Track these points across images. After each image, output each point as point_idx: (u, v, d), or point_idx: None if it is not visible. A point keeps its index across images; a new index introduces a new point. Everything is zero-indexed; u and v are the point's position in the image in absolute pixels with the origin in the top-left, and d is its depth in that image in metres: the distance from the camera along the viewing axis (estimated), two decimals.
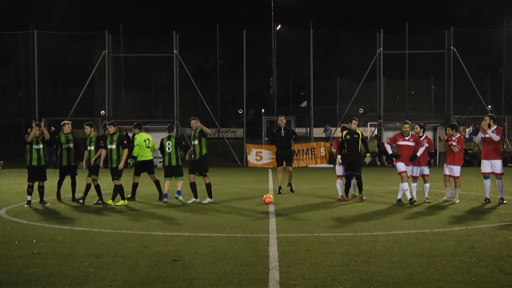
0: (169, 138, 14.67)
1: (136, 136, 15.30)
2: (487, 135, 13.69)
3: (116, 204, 13.88)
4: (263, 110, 49.67)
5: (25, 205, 13.76)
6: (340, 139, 15.06)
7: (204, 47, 43.56)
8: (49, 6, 54.78)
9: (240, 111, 45.73)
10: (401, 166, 13.85)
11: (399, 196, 14.04)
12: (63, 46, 34.53)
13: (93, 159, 14.28)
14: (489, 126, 13.87)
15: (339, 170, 15.10)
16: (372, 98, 39.62)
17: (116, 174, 13.97)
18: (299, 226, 10.92)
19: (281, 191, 16.53)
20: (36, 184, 14.04)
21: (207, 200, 14.47)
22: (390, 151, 14.20)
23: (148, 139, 15.39)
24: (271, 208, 13.28)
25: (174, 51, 29.97)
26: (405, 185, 13.67)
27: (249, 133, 33.28)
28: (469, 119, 36.66)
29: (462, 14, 61.14)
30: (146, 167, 15.34)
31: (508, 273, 7.35)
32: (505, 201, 13.67)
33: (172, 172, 14.63)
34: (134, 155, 14.85)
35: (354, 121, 14.89)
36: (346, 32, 45.62)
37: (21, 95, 40.08)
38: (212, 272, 7.44)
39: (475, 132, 31.88)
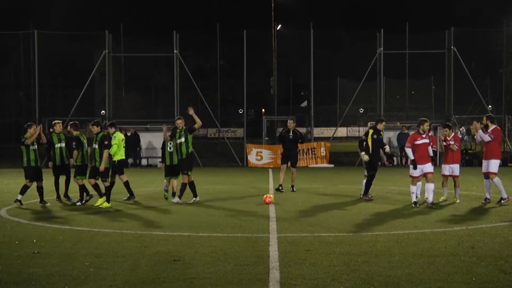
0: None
1: (114, 135, 15.18)
2: (479, 136, 13.69)
3: (98, 204, 13.72)
4: (263, 110, 49.71)
5: (14, 202, 13.79)
6: (364, 137, 15.07)
7: (204, 47, 43.57)
8: (49, 6, 54.83)
9: (241, 111, 45.76)
10: (418, 171, 13.40)
11: (430, 199, 13.35)
12: (63, 46, 34.55)
13: (73, 161, 14.46)
14: (487, 126, 13.84)
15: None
16: (373, 98, 39.65)
17: (103, 175, 13.83)
18: (299, 226, 10.92)
19: (281, 188, 16.65)
20: (34, 184, 14.07)
21: (176, 199, 14.27)
22: (412, 157, 13.51)
23: (123, 139, 15.42)
24: (271, 208, 13.28)
25: (175, 51, 29.97)
26: (413, 188, 13.44)
27: (249, 133, 33.29)
28: (468, 119, 36.68)
29: (462, 14, 61.20)
30: (121, 166, 15.26)
31: (508, 273, 7.35)
32: (503, 201, 13.58)
33: (172, 171, 14.78)
34: (110, 153, 14.72)
35: (384, 123, 15.23)
36: (346, 32, 45.71)
37: (21, 95, 40.13)
38: (212, 272, 7.44)
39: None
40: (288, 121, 17.58)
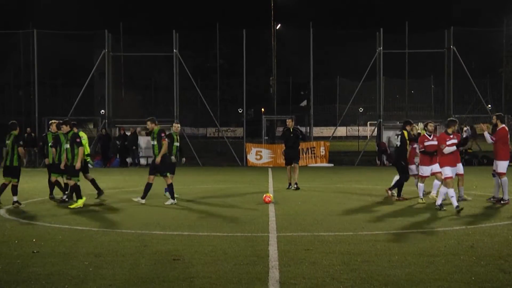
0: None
1: (81, 134, 15.15)
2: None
3: (72, 206, 13.50)
4: (263, 110, 49.66)
5: (14, 205, 13.76)
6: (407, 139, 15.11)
7: (203, 46, 43.52)
8: (49, 5, 54.75)
9: (240, 110, 45.71)
10: (447, 171, 12.80)
11: (439, 202, 12.85)
12: (63, 45, 34.50)
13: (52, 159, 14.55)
14: (497, 125, 13.84)
15: (413, 169, 15.16)
16: (372, 97, 39.61)
17: (73, 173, 13.79)
18: (299, 225, 10.92)
19: (290, 186, 17.27)
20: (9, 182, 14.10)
21: (170, 201, 14.10)
22: (455, 148, 12.99)
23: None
24: (271, 207, 13.29)
25: (174, 50, 29.95)
26: (451, 191, 12.58)
27: (249, 132, 33.27)
28: (468, 118, 36.68)
29: (462, 14, 61.21)
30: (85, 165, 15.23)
31: (508, 272, 7.35)
32: (502, 202, 13.55)
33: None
34: (87, 152, 14.73)
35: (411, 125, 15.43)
36: (346, 31, 45.57)
37: (21, 94, 40.08)
38: (212, 271, 7.44)
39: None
40: (287, 120, 18.25)
